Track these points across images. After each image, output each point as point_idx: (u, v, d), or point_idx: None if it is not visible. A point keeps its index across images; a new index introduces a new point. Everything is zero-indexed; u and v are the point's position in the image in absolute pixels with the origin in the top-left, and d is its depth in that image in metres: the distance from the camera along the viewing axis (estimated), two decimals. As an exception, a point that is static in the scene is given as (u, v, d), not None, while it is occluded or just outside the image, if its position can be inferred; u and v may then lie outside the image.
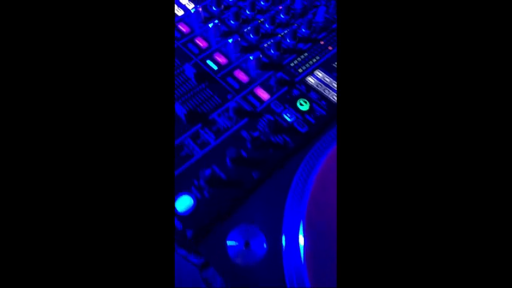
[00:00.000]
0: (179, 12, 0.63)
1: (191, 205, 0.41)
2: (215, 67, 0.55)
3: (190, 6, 0.64)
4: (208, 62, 0.55)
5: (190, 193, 0.42)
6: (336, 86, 0.52)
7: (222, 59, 0.56)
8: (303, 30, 0.59)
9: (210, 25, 0.58)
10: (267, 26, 0.60)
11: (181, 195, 0.42)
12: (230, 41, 0.55)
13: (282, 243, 0.39)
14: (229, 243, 0.39)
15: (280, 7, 0.63)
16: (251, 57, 0.53)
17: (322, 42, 0.57)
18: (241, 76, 0.53)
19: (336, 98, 0.50)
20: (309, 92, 0.51)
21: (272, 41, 0.58)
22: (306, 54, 0.56)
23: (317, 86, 0.52)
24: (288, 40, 0.57)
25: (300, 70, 0.54)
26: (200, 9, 0.60)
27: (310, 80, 0.53)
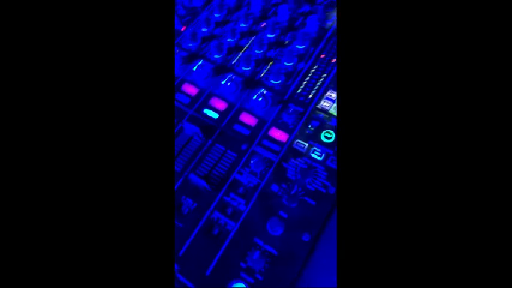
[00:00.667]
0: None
1: (247, 295, 0.35)
2: (215, 115, 0.48)
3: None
4: (206, 111, 0.48)
5: (240, 279, 0.36)
6: (354, 103, 0.46)
7: (220, 104, 0.49)
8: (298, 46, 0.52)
9: (194, 68, 0.51)
10: (256, 51, 0.53)
11: (233, 285, 0.36)
12: (223, 82, 0.48)
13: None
14: None
15: (264, 24, 0.56)
16: (254, 97, 0.46)
17: (322, 56, 0.52)
18: (248, 119, 0.47)
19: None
20: (331, 121, 0.45)
21: (270, 68, 0.51)
22: (310, 75, 0.50)
23: (335, 109, 0.46)
24: (285, 62, 0.51)
25: (311, 96, 0.48)
26: (177, 51, 0.53)
27: (325, 104, 0.47)
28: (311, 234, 0.38)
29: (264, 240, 0.38)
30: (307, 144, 0.44)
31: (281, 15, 0.56)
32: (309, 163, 0.42)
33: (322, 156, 0.43)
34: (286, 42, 0.54)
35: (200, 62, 0.51)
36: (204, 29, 0.57)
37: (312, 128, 0.45)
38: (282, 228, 0.38)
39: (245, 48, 0.54)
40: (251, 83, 0.50)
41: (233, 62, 0.53)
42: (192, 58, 0.54)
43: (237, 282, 0.36)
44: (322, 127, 0.45)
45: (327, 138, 0.44)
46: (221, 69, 0.52)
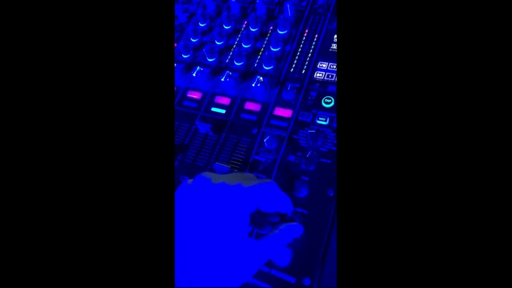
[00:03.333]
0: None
1: (289, 252, 0.39)
2: (223, 111, 0.52)
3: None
4: (213, 109, 0.53)
5: (280, 243, 0.40)
6: (344, 68, 0.50)
7: (224, 100, 0.53)
8: (280, 31, 0.57)
9: (194, 74, 0.55)
10: (245, 46, 0.58)
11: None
12: (222, 79, 0.53)
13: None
14: None
15: (246, 22, 0.61)
16: (253, 85, 0.51)
17: (305, 34, 0.56)
18: (253, 106, 0.51)
19: (352, 79, 0.49)
20: (327, 88, 0.49)
21: (261, 57, 0.55)
22: (298, 53, 0.54)
23: (328, 77, 0.50)
24: (273, 48, 0.55)
25: (303, 71, 0.52)
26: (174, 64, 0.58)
27: (318, 75, 0.51)
28: (334, 189, 0.41)
29: (294, 205, 0.42)
30: (311, 114, 0.47)
31: (259, 9, 0.61)
32: (316, 129, 0.46)
33: (327, 120, 0.46)
34: (270, 31, 0.58)
35: (198, 68, 0.55)
36: (193, 40, 0.62)
37: (311, 98, 0.49)
38: (306, 189, 0.42)
39: (234, 46, 0.59)
40: (247, 74, 0.55)
41: (226, 61, 0.57)
42: (189, 68, 0.59)
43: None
44: (320, 95, 0.48)
45: (327, 103, 0.47)
46: (217, 70, 0.57)
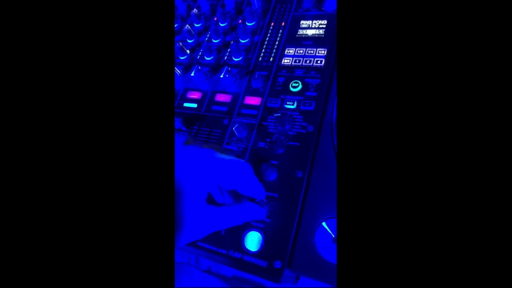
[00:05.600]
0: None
1: (261, 238, 0.38)
2: (194, 105, 0.52)
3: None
4: (186, 104, 0.53)
5: (253, 228, 0.39)
6: (311, 52, 0.50)
7: (195, 95, 0.53)
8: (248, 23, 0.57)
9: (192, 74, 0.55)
10: (215, 41, 0.58)
11: (247, 234, 0.39)
12: (192, 74, 0.53)
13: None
14: (324, 225, 0.37)
15: (215, 18, 0.61)
16: (221, 76, 0.51)
17: (272, 24, 0.56)
18: (223, 98, 0.51)
19: (319, 62, 0.48)
20: (294, 72, 0.49)
21: (230, 50, 0.56)
22: (266, 42, 0.54)
23: (296, 62, 0.50)
24: (241, 40, 0.56)
25: (271, 59, 0.52)
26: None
27: (286, 61, 0.51)
28: (303, 171, 0.41)
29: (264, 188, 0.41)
30: (279, 99, 0.47)
31: (228, 5, 0.62)
32: (283, 113, 0.45)
33: (295, 104, 0.46)
34: (238, 24, 0.58)
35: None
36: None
37: (280, 84, 0.48)
38: (275, 172, 0.41)
39: (202, 42, 0.59)
40: (217, 67, 0.55)
41: (198, 57, 0.58)
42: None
43: (250, 231, 0.39)
44: (288, 80, 0.48)
45: (294, 87, 0.47)
46: (189, 66, 0.57)
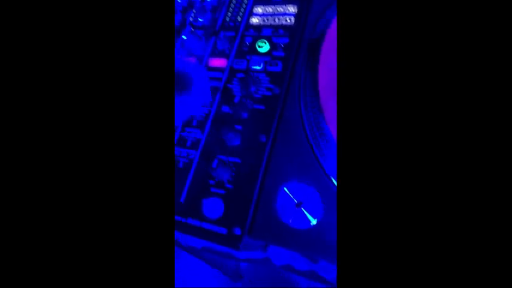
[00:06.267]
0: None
1: (221, 204, 0.36)
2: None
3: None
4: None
5: (213, 196, 0.37)
6: (281, 9, 0.46)
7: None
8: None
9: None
10: (178, 0, 0.54)
11: (206, 201, 0.37)
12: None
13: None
14: (286, 190, 0.35)
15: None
16: (184, 37, 0.47)
17: (241, -19, 0.52)
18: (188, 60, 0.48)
19: (288, 20, 0.45)
20: (261, 32, 0.45)
21: (195, 10, 0.52)
22: (233, 1, 0.50)
23: (264, 21, 0.46)
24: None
25: (239, 18, 0.48)
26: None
27: (254, 20, 0.47)
28: (267, 135, 0.38)
29: (226, 154, 0.39)
30: (245, 60, 0.44)
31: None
32: (248, 74, 0.42)
33: (261, 65, 0.43)
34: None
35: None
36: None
37: (246, 45, 0.45)
38: (238, 138, 0.39)
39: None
40: (181, 29, 0.51)
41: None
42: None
43: (209, 197, 0.37)
44: (255, 40, 0.45)
45: (260, 47, 0.44)
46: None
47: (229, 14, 0.49)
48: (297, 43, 0.43)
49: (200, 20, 0.50)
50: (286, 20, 0.45)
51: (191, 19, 0.51)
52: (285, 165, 0.37)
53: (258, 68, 0.43)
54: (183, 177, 0.39)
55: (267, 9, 0.47)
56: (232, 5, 0.50)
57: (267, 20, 0.46)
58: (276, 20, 0.46)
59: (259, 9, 0.48)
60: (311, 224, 0.33)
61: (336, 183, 0.34)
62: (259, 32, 0.46)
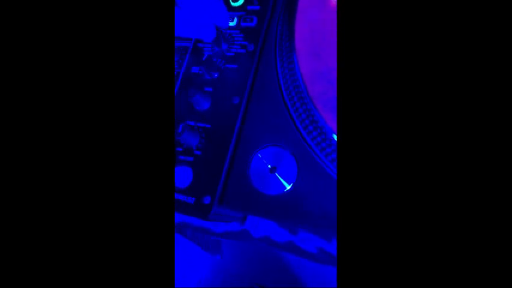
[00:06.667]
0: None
1: (189, 172, 0.33)
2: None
3: None
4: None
5: (181, 164, 0.34)
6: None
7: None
8: None
9: None
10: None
11: (176, 170, 0.34)
12: None
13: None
14: (260, 156, 0.32)
15: None
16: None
17: None
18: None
19: (265, -29, 0.41)
20: (234, -17, 0.41)
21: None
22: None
23: (239, -27, 0.42)
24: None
25: (210, -30, 0.44)
26: None
27: (227, -28, 0.42)
28: (240, 96, 0.35)
29: (195, 119, 0.35)
30: (217, 16, 0.40)
31: None
32: (219, 31, 0.38)
33: (235, 21, 0.39)
34: None
35: None
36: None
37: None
38: (209, 101, 0.35)
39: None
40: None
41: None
42: None
43: (178, 166, 0.34)
44: (228, -6, 0.41)
45: (234, 1, 0.40)
46: None
47: (201, -34, 0.45)
48: (273, -4, 0.39)
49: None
50: (262, -30, 0.41)
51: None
52: (259, 128, 0.33)
53: (231, 24, 0.39)
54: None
55: (241, -41, 0.43)
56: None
57: (242, -29, 0.42)
58: (251, -30, 0.41)
59: (233, -40, 0.43)
60: (285, 189, 0.30)
61: (313, 150, 0.31)
62: (232, -16, 0.41)
